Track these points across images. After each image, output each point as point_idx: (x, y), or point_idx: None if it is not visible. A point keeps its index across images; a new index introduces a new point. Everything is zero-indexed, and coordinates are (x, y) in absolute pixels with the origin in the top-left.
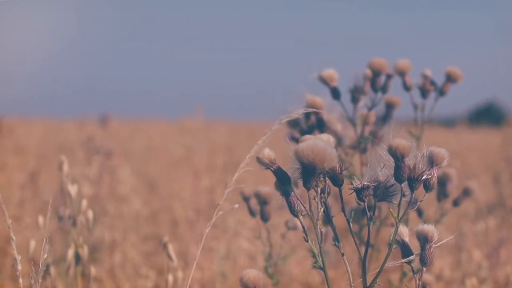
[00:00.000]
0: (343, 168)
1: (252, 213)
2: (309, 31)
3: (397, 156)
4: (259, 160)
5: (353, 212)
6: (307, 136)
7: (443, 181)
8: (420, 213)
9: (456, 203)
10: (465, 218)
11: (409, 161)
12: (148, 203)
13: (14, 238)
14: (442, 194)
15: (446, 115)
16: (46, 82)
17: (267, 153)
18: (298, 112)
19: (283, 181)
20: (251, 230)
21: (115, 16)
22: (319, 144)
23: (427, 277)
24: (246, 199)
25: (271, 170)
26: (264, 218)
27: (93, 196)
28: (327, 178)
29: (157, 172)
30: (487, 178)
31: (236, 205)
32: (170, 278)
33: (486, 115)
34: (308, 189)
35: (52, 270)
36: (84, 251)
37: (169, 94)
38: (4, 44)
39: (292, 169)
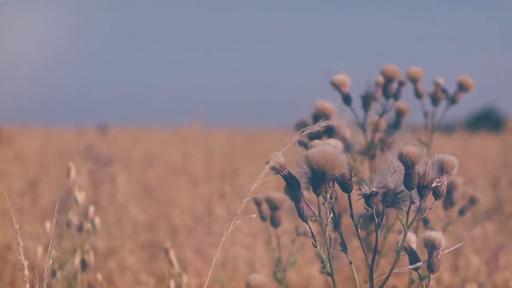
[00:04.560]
0: (353, 175)
1: (263, 218)
2: (310, 33)
3: (408, 163)
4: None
5: (361, 218)
6: (316, 142)
7: (449, 189)
8: (426, 222)
9: (462, 212)
10: (463, 223)
11: (419, 168)
12: (146, 211)
13: (21, 243)
14: (448, 202)
15: (444, 120)
16: (44, 90)
17: (278, 158)
18: (320, 125)
19: (293, 186)
20: (248, 237)
21: (111, 26)
22: (329, 150)
23: (431, 282)
24: (257, 203)
25: (281, 175)
26: (275, 223)
27: (91, 204)
28: (335, 184)
29: (156, 180)
30: (486, 183)
31: (254, 215)
32: (172, 284)
33: (485, 120)
34: (317, 195)
35: (58, 276)
36: (90, 258)
37: (167, 101)
38: (1, 52)
39: (299, 174)
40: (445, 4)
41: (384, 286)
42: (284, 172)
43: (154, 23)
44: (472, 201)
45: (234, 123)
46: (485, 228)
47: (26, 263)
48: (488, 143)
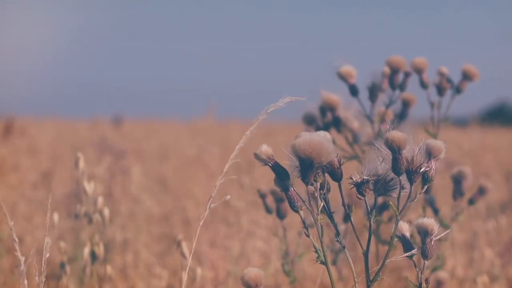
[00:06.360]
0: (342, 162)
1: (268, 210)
2: (322, 31)
3: (394, 149)
4: (256, 156)
5: (353, 206)
6: (303, 133)
7: (458, 179)
8: (436, 211)
9: (471, 201)
10: (477, 217)
11: (407, 153)
12: (160, 203)
13: (17, 239)
14: (457, 192)
15: (458, 115)
16: (58, 82)
17: (265, 149)
18: (283, 101)
19: (281, 177)
20: (266, 230)
21: (128, 16)
22: (315, 138)
23: (442, 274)
24: (262, 196)
25: (269, 166)
26: (280, 215)
27: (106, 196)
28: (326, 174)
29: (170, 172)
30: (500, 177)
31: (228, 196)
32: (185, 276)
33: (499, 115)
34: (306, 184)
35: (68, 268)
36: (100, 250)
37: (182, 95)
38: (15, 45)
39: (291, 166)
40: (449, 4)
41: (381, 273)
42: (271, 162)
43: (171, 16)
44: (481, 190)
45: (249, 116)
46: (499, 221)
47: (23, 259)
48: (502, 137)
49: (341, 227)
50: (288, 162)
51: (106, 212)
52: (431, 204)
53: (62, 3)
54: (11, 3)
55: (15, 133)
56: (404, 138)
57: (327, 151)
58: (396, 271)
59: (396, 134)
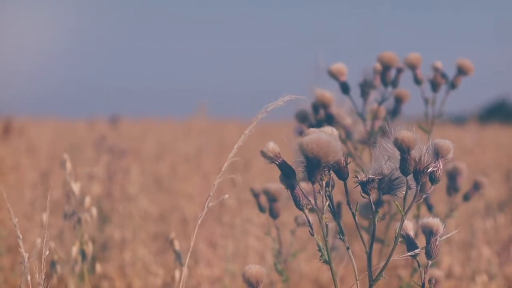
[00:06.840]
0: (348, 162)
1: (261, 209)
2: (321, 30)
3: (403, 149)
4: (263, 154)
5: (358, 205)
6: (312, 130)
7: (453, 175)
8: (430, 208)
9: (466, 197)
10: (476, 215)
11: (414, 153)
12: (157, 202)
13: (21, 236)
14: (452, 188)
15: (456, 112)
16: (57, 82)
17: (272, 146)
18: (283, 100)
19: (287, 175)
20: (260, 228)
21: (127, 16)
22: (323, 137)
23: (437, 272)
24: (255, 195)
25: (276, 164)
26: (273, 215)
27: (104, 195)
28: (331, 172)
29: (167, 172)
30: (499, 176)
31: (226, 195)
32: (177, 274)
33: (498, 112)
34: (313, 183)
35: (58, 267)
36: (89, 248)
37: (180, 94)
38: (15, 45)
39: (296, 163)
40: (449, 4)
41: (385, 275)
42: (278, 160)
43: (169, 17)
44: (477, 186)
45: (245, 115)
46: (497, 219)
47: (26, 255)
48: (501, 135)
49: (331, 225)
50: (295, 160)
51: (94, 211)
52: (425, 201)
53: (62, 3)
54: (11, 3)
55: (14, 133)
56: (413, 138)
57: (334, 150)
58: (391, 269)
59: (405, 134)
